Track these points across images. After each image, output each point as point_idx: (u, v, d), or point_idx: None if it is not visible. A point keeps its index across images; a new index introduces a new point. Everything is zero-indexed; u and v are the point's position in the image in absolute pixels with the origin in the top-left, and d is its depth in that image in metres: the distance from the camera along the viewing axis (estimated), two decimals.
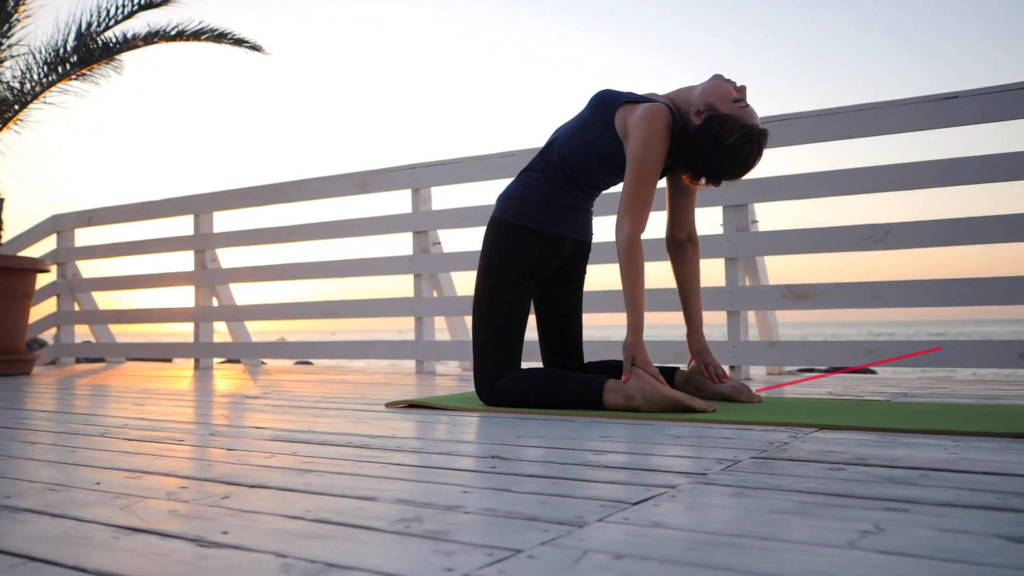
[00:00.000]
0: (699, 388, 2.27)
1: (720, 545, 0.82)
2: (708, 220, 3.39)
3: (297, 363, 8.16)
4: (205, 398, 2.74)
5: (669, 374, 2.32)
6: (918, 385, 2.73)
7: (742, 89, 2.08)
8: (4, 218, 4.66)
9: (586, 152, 2.18)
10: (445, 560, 0.78)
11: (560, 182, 2.24)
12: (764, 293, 3.16)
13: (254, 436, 1.74)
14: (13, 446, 1.66)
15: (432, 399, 2.36)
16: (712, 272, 3.28)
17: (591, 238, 2.38)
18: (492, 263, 2.25)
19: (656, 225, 3.21)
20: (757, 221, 3.25)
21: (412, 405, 2.30)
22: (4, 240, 5.58)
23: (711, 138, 2.03)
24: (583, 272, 2.40)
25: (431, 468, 1.31)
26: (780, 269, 3.50)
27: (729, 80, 2.09)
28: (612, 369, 2.30)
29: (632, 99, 2.14)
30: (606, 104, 2.16)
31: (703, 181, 2.16)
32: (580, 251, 2.35)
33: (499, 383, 2.17)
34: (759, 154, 2.06)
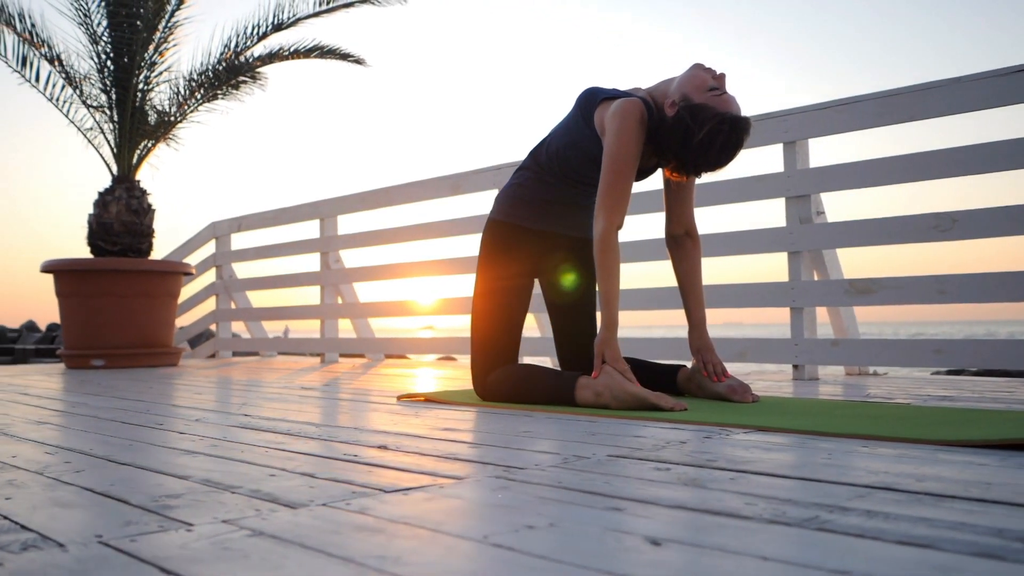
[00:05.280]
0: (700, 387, 2.21)
1: (363, 530, 0.85)
2: (772, 212, 3.24)
3: (439, 358, 8.51)
4: (261, 390, 2.98)
5: (672, 372, 2.28)
6: (981, 390, 2.49)
7: (720, 77, 2.01)
8: (155, 226, 5.21)
9: (571, 150, 2.19)
10: (88, 521, 0.87)
11: (551, 180, 2.25)
12: (826, 289, 2.98)
13: (225, 423, 1.90)
14: None
15: (437, 393, 2.45)
16: (776, 267, 3.15)
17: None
18: (486, 261, 2.30)
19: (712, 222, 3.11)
20: (823, 212, 3.07)
21: (426, 399, 2.39)
22: (175, 247, 6.27)
23: (683, 129, 1.98)
24: (591, 269, 2.40)
25: (295, 453, 1.40)
26: (844, 263, 3.24)
27: (708, 69, 2.03)
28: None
29: (611, 95, 2.12)
30: (588, 102, 2.15)
31: (691, 175, 2.10)
32: (581, 248, 2.34)
33: (488, 379, 2.23)
34: (736, 143, 1.98)
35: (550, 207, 2.26)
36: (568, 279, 2.36)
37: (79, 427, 1.87)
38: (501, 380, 2.19)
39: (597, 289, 2.05)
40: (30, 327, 17.39)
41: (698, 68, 2.03)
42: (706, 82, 2.00)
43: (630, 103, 2.03)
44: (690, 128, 1.97)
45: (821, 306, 3.04)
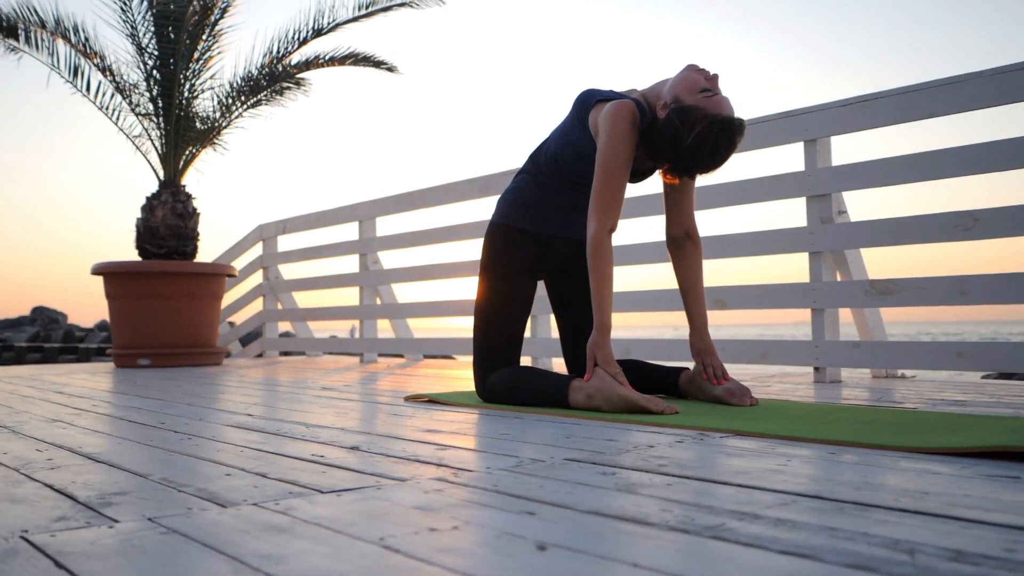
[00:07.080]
0: (700, 389, 2.20)
1: (271, 529, 0.88)
2: (793, 212, 3.18)
3: None
4: (281, 390, 3.05)
5: (675, 374, 2.27)
6: (1000, 394, 2.41)
7: (713, 78, 1.99)
8: (200, 229, 5.36)
9: (568, 152, 2.19)
10: (25, 516, 0.92)
11: (549, 183, 2.26)
12: (847, 290, 2.92)
13: (223, 423, 1.96)
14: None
15: (442, 395, 2.48)
16: (798, 267, 3.09)
17: None
18: (487, 264, 2.32)
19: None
20: (845, 211, 3.00)
21: (431, 400, 2.43)
22: (224, 250, 6.44)
23: (673, 131, 1.97)
24: None
25: (265, 452, 1.44)
26: (867, 263, 3.12)
27: (701, 70, 2.01)
28: (626, 368, 2.27)
29: (606, 97, 2.12)
30: (583, 104, 2.16)
31: (685, 177, 2.09)
32: (582, 250, 2.35)
33: (488, 380, 2.25)
34: (728, 145, 1.96)
35: (549, 210, 2.27)
36: (573, 280, 2.37)
37: (85, 425, 1.95)
38: (500, 382, 2.21)
39: (590, 291, 2.05)
40: (101, 327, 18.02)
41: (691, 69, 2.02)
42: (698, 84, 1.98)
43: (622, 105, 2.03)
44: (680, 130, 1.96)
45: (842, 307, 2.98)
